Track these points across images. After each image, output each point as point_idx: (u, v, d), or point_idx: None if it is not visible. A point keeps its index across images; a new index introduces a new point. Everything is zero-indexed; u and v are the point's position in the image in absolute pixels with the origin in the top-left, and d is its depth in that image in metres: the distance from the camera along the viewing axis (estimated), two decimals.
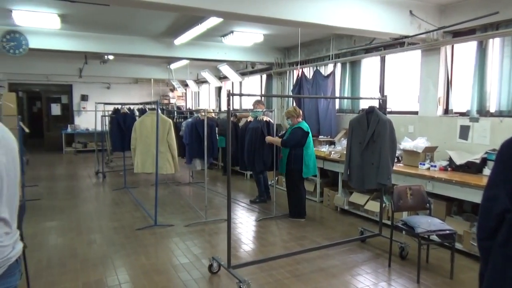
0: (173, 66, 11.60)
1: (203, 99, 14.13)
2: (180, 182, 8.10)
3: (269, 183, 6.69)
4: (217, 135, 7.49)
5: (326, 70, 7.48)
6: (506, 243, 1.34)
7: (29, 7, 5.50)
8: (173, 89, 14.82)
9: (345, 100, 7.19)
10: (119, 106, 8.11)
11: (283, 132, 5.98)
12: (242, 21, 5.67)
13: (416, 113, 5.68)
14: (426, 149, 4.93)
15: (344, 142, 5.79)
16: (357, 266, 3.90)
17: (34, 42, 6.79)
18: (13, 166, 1.44)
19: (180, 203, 6.37)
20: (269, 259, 3.88)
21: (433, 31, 5.01)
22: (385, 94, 6.13)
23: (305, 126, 5.34)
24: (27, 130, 7.77)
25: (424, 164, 4.82)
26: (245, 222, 5.39)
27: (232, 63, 9.51)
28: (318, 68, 7.54)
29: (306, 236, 4.80)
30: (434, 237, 3.87)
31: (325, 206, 6.23)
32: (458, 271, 3.72)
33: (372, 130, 4.17)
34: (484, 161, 4.38)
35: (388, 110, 4.54)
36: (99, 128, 9.41)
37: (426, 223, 3.63)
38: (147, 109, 7.34)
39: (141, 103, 7.99)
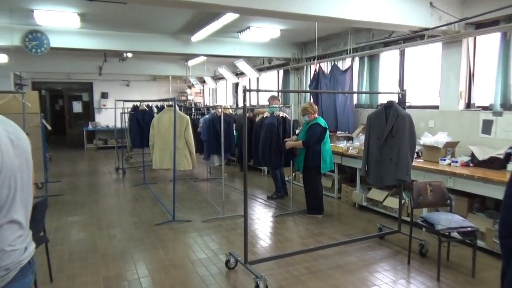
0: (191, 63, 11.69)
1: (220, 95, 14.19)
2: (198, 178, 8.17)
3: (286, 179, 6.68)
4: (234, 131, 7.51)
5: (343, 64, 7.39)
6: None
7: (49, 6, 5.63)
8: (190, 86, 14.93)
9: (363, 95, 7.08)
10: (138, 103, 8.23)
11: (298, 132, 5.92)
12: (258, 16, 5.64)
13: (436, 107, 5.55)
14: (447, 144, 4.82)
15: (362, 137, 5.72)
16: (375, 263, 3.86)
17: (55, 41, 6.95)
18: (26, 167, 1.45)
19: (197, 199, 6.43)
20: (286, 255, 3.87)
21: (454, 23, 4.87)
22: (404, 88, 6.02)
23: (322, 121, 5.30)
24: (49, 127, 7.99)
25: (445, 160, 4.71)
26: (262, 218, 5.40)
27: (249, 59, 9.50)
28: (336, 62, 7.45)
29: (323, 232, 4.77)
30: (455, 234, 3.78)
31: (343, 203, 6.17)
32: (480, 270, 3.63)
33: (391, 125, 4.09)
34: (508, 156, 4.25)
35: (407, 104, 4.45)
36: (118, 125, 9.58)
37: (447, 220, 3.55)
38: (165, 106, 7.41)
39: (159, 100, 8.07)
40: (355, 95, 7.15)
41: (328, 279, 3.49)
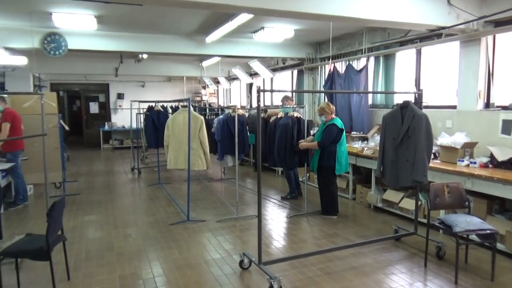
0: (205, 63, 11.75)
1: (235, 95, 14.23)
2: (212, 178, 8.21)
3: (300, 179, 6.64)
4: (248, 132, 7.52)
5: (358, 64, 7.32)
6: None
7: (67, 9, 5.73)
8: (205, 87, 15.01)
9: (378, 95, 7.00)
10: (153, 104, 8.31)
11: (314, 132, 5.88)
12: (272, 16, 5.64)
13: (454, 107, 5.44)
14: (465, 144, 4.72)
15: (377, 138, 5.65)
16: (391, 265, 3.80)
17: (73, 43, 7.08)
18: None
19: (212, 199, 6.45)
20: (300, 256, 3.86)
21: (473, 21, 4.77)
22: (420, 88, 5.92)
23: (339, 122, 5.25)
24: (67, 128, 8.14)
25: (463, 161, 4.62)
26: (276, 219, 5.38)
27: (263, 59, 9.49)
28: (351, 62, 7.38)
29: (338, 233, 4.73)
30: (473, 237, 3.70)
31: (357, 204, 6.11)
32: (499, 273, 3.55)
33: (407, 125, 4.03)
34: None
35: (424, 104, 4.38)
36: (134, 126, 9.70)
37: (465, 222, 3.48)
38: (179, 107, 7.47)
39: (173, 101, 8.15)
40: (370, 95, 7.07)
41: (343, 281, 3.46)
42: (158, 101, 8.36)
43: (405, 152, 4.06)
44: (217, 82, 13.83)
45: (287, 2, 4.04)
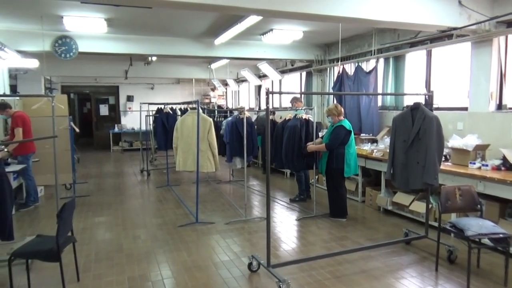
0: (214, 65, 11.78)
1: (243, 97, 14.24)
2: (220, 180, 8.21)
3: (309, 181, 6.61)
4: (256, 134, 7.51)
5: (368, 65, 7.27)
6: None
7: (78, 12, 5.80)
8: (214, 89, 15.06)
9: (388, 96, 6.94)
10: (162, 106, 8.35)
11: (323, 134, 5.85)
12: (281, 18, 5.63)
13: (465, 109, 5.37)
14: (477, 147, 4.65)
15: (387, 140, 5.60)
16: (401, 269, 3.76)
17: (83, 46, 7.17)
18: None
19: (220, 201, 6.45)
20: (309, 259, 3.83)
21: (484, 21, 4.71)
22: (431, 89, 5.85)
23: (347, 124, 5.22)
24: (77, 130, 8.21)
25: (474, 163, 4.55)
26: (285, 221, 5.36)
27: (271, 61, 9.49)
28: (360, 64, 7.33)
29: (347, 236, 4.69)
30: (485, 241, 3.64)
31: (367, 206, 6.06)
32: None
33: (418, 127, 3.98)
34: None
35: (434, 106, 4.32)
36: (143, 128, 9.76)
37: (477, 225, 3.42)
38: (188, 109, 7.50)
39: (182, 103, 8.18)
40: (379, 97, 7.02)
41: (352, 285, 3.42)
42: (167, 103, 8.40)
43: (416, 154, 4.01)
44: (225, 84, 13.86)
45: (295, 3, 4.03)
